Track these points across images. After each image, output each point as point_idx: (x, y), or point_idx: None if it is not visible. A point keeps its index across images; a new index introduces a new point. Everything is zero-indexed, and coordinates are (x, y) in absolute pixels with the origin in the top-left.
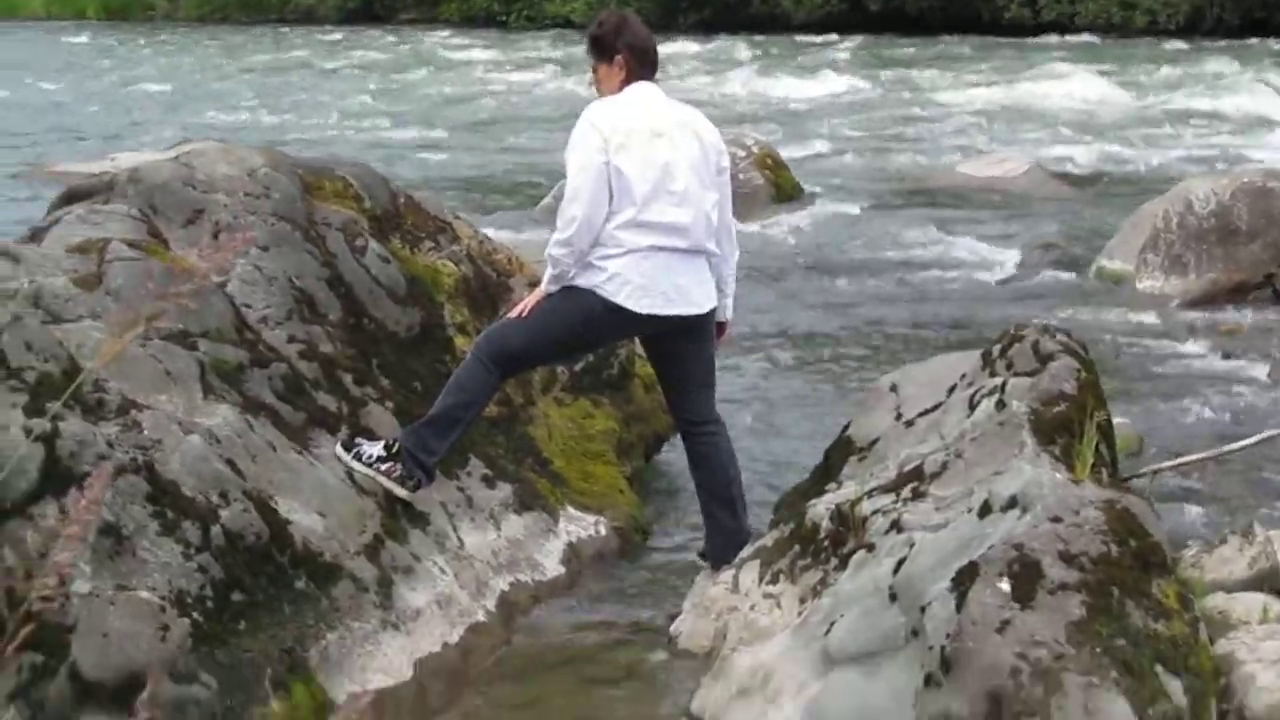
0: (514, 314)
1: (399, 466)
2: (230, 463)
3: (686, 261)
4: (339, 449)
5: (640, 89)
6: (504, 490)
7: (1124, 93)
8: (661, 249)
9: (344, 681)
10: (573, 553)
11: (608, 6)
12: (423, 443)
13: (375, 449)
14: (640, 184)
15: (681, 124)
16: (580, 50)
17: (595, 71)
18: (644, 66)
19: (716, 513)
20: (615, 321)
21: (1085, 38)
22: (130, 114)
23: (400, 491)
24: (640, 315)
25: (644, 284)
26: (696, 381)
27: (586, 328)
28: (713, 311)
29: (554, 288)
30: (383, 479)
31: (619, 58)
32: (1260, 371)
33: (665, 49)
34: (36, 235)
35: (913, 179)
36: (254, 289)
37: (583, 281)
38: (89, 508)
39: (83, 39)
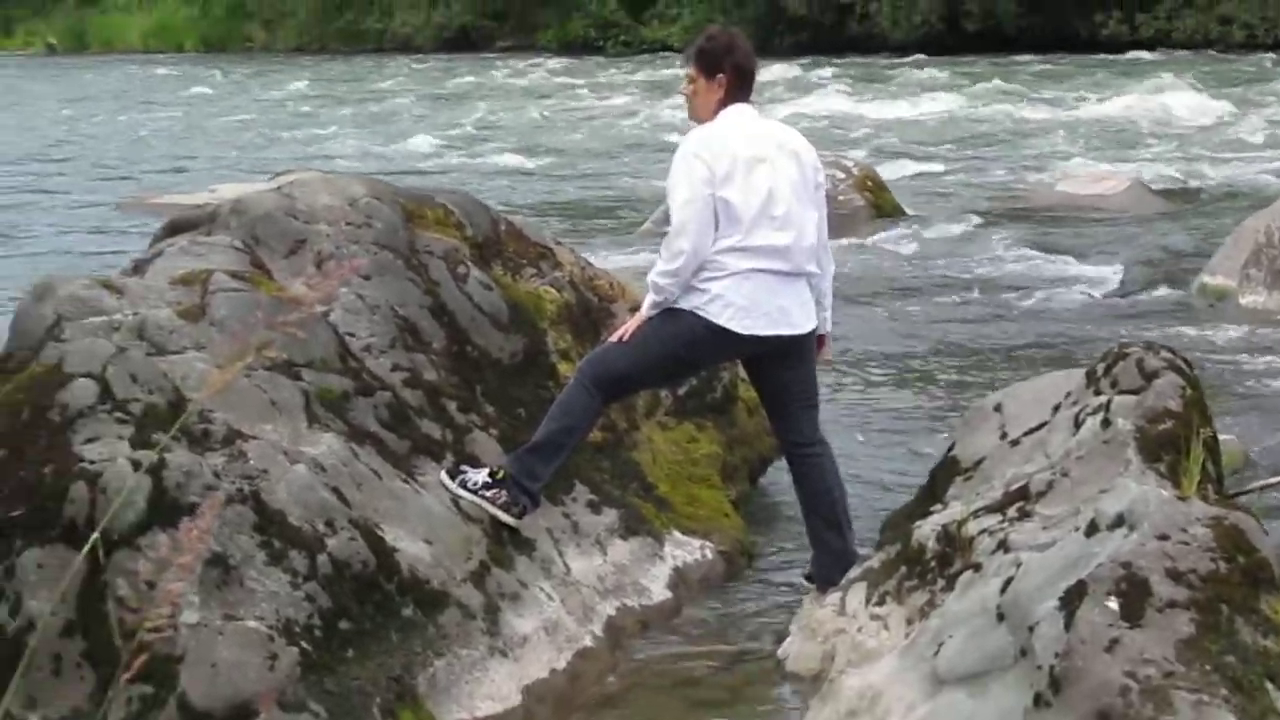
0: (615, 338)
1: (504, 493)
2: (336, 491)
3: (787, 283)
4: (444, 476)
5: (737, 112)
6: (609, 515)
7: (1223, 108)
8: (763, 271)
9: (452, 708)
10: (679, 577)
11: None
12: (528, 469)
13: (480, 476)
14: (745, 211)
15: (780, 146)
16: (675, 74)
17: (692, 84)
18: (743, 89)
19: (823, 534)
20: (717, 343)
21: (1183, 53)
22: (230, 145)
23: (506, 518)
24: (743, 336)
25: (746, 305)
26: (799, 402)
27: (688, 349)
28: (813, 331)
29: (654, 312)
30: (488, 506)
31: (721, 76)
32: None
33: (762, 72)
34: (139, 267)
35: (1013, 198)
36: (357, 318)
37: (685, 304)
38: (200, 536)
39: (181, 71)
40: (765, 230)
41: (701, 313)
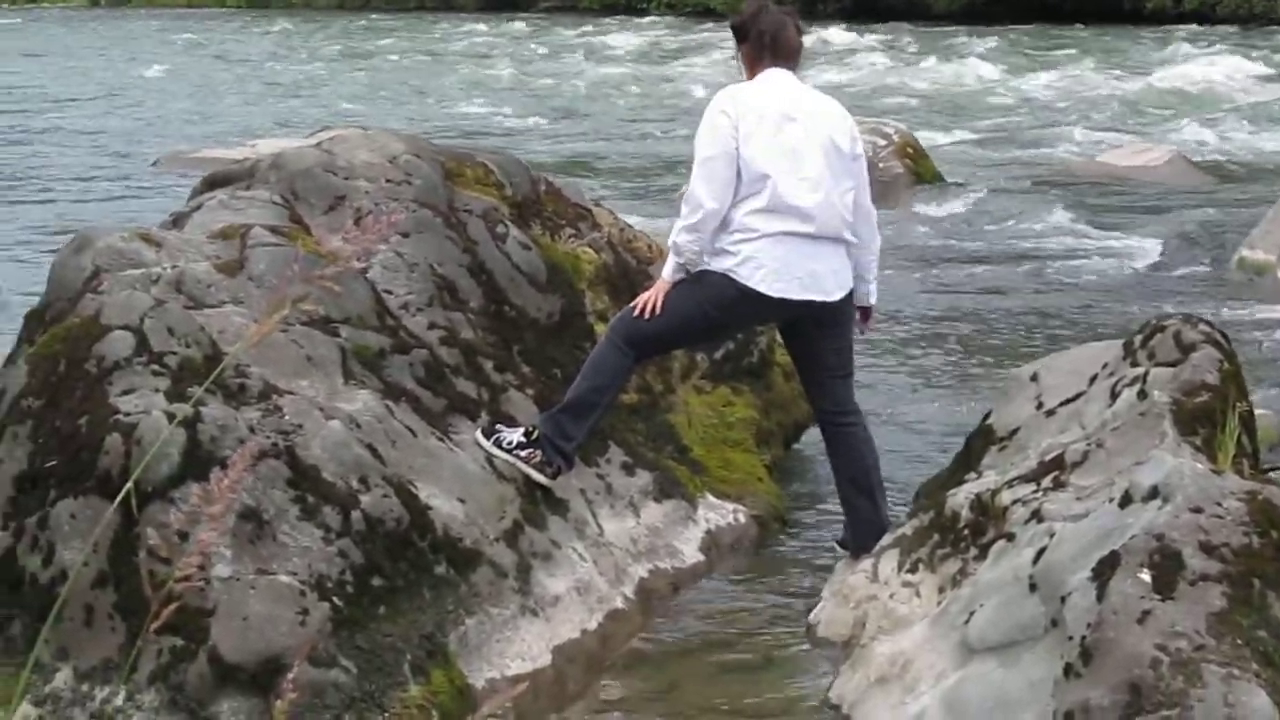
0: (640, 301)
1: (539, 453)
2: (371, 448)
3: (819, 247)
4: (479, 435)
5: (772, 75)
6: (643, 478)
7: (1266, 82)
8: (793, 234)
9: (483, 667)
10: (711, 540)
11: None
12: (560, 429)
13: (515, 435)
14: (770, 169)
15: (813, 110)
16: (720, 35)
17: (739, 58)
18: (777, 55)
19: (855, 501)
20: (747, 305)
21: (1226, 27)
22: (271, 101)
23: (540, 478)
24: (772, 299)
25: (777, 268)
26: (833, 371)
27: (720, 310)
28: (848, 300)
29: (678, 275)
30: (522, 465)
31: (748, 45)
32: None
33: (805, 38)
34: (179, 221)
35: (1053, 168)
36: (395, 275)
37: (716, 266)
38: (231, 486)
39: (225, 26)
40: (792, 189)
41: (733, 275)
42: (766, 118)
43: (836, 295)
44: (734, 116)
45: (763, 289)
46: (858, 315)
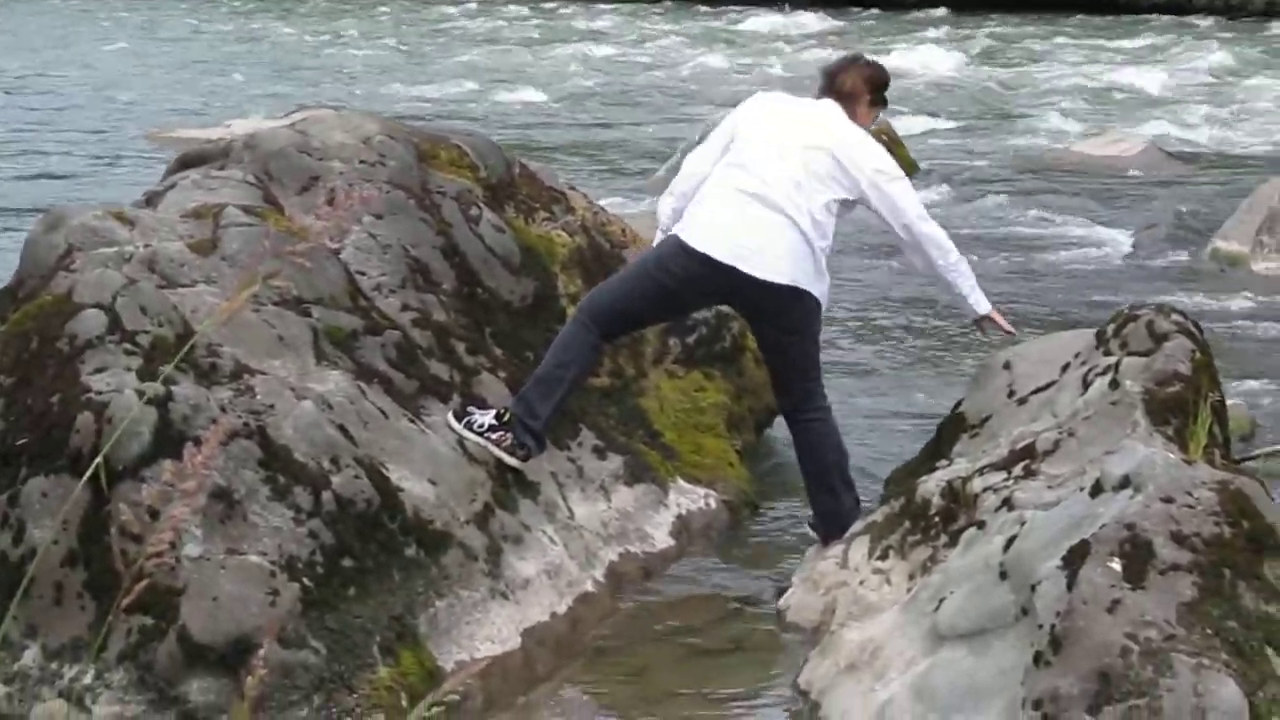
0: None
1: (509, 435)
2: (342, 429)
3: (762, 217)
4: (450, 418)
5: (820, 100)
6: (614, 461)
7: (1241, 73)
8: (742, 192)
9: (452, 649)
10: (682, 525)
11: None
12: (528, 407)
13: (487, 418)
14: (751, 135)
15: (818, 122)
16: (705, 24)
17: None
18: (828, 90)
19: (816, 495)
20: (683, 265)
21: (1203, 18)
22: (248, 82)
23: (511, 460)
24: (698, 254)
25: (709, 223)
26: (789, 371)
27: (663, 272)
28: (795, 300)
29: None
30: (493, 447)
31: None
32: None
33: (777, 21)
34: (152, 200)
35: (1027, 157)
36: (368, 256)
37: (674, 229)
38: (205, 462)
39: (200, 5)
40: (760, 155)
41: (677, 233)
42: (780, 113)
43: (763, 274)
44: (739, 113)
45: (692, 242)
46: (977, 321)
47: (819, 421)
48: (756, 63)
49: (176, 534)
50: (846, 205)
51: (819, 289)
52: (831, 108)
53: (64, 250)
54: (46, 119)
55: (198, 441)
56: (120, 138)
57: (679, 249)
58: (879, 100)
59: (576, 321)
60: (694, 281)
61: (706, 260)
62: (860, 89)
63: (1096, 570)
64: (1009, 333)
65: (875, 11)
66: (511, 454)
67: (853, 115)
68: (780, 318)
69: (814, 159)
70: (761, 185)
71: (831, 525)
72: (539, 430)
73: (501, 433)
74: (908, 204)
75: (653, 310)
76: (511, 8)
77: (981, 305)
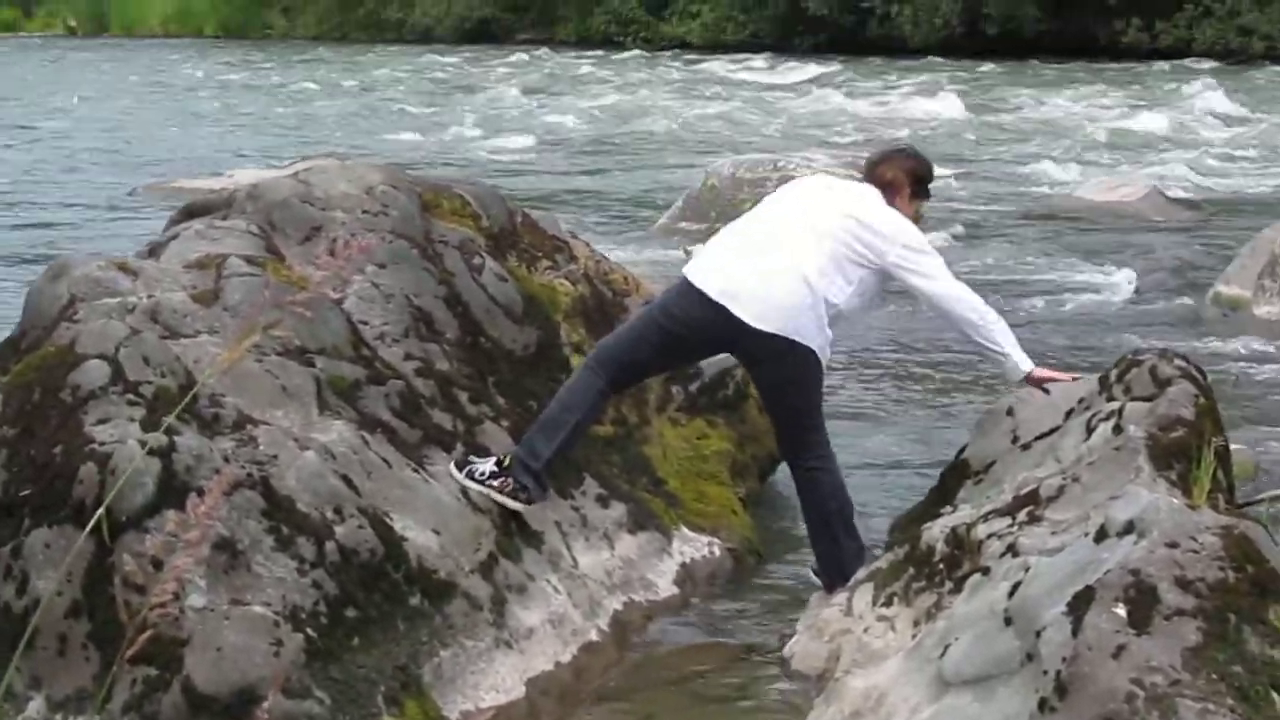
0: None
1: (510, 480)
2: (345, 479)
3: (765, 261)
4: (452, 468)
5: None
6: (618, 510)
7: (1242, 118)
8: (751, 238)
9: (457, 699)
10: (686, 573)
11: (723, 30)
12: (530, 449)
13: (488, 465)
14: (774, 202)
15: (852, 197)
16: (694, 71)
17: None
18: (864, 178)
19: (818, 542)
20: (683, 306)
21: (1203, 63)
22: (248, 132)
23: (512, 504)
24: (695, 291)
25: (710, 263)
26: (788, 420)
27: (664, 314)
28: (786, 349)
29: None
30: (495, 494)
31: None
32: None
33: (781, 71)
34: (155, 250)
35: (1029, 203)
36: (371, 306)
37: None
38: (209, 513)
39: (200, 56)
40: (776, 209)
41: (684, 271)
42: (816, 185)
43: (752, 320)
44: (794, 180)
45: (692, 276)
46: (1027, 380)
47: (820, 470)
48: (759, 110)
49: (180, 584)
50: (873, 273)
51: (817, 343)
52: (869, 190)
53: (67, 301)
54: (50, 168)
55: (201, 492)
56: (123, 188)
57: (681, 288)
58: (921, 192)
59: (585, 368)
60: (693, 324)
61: (701, 299)
62: (901, 180)
63: (1101, 616)
64: (1068, 379)
65: (879, 60)
66: (514, 498)
67: (892, 204)
68: (774, 366)
69: (839, 223)
70: (774, 235)
71: (834, 572)
72: (539, 470)
73: (503, 479)
74: (936, 275)
75: (658, 357)
76: (512, 56)
77: (1023, 365)
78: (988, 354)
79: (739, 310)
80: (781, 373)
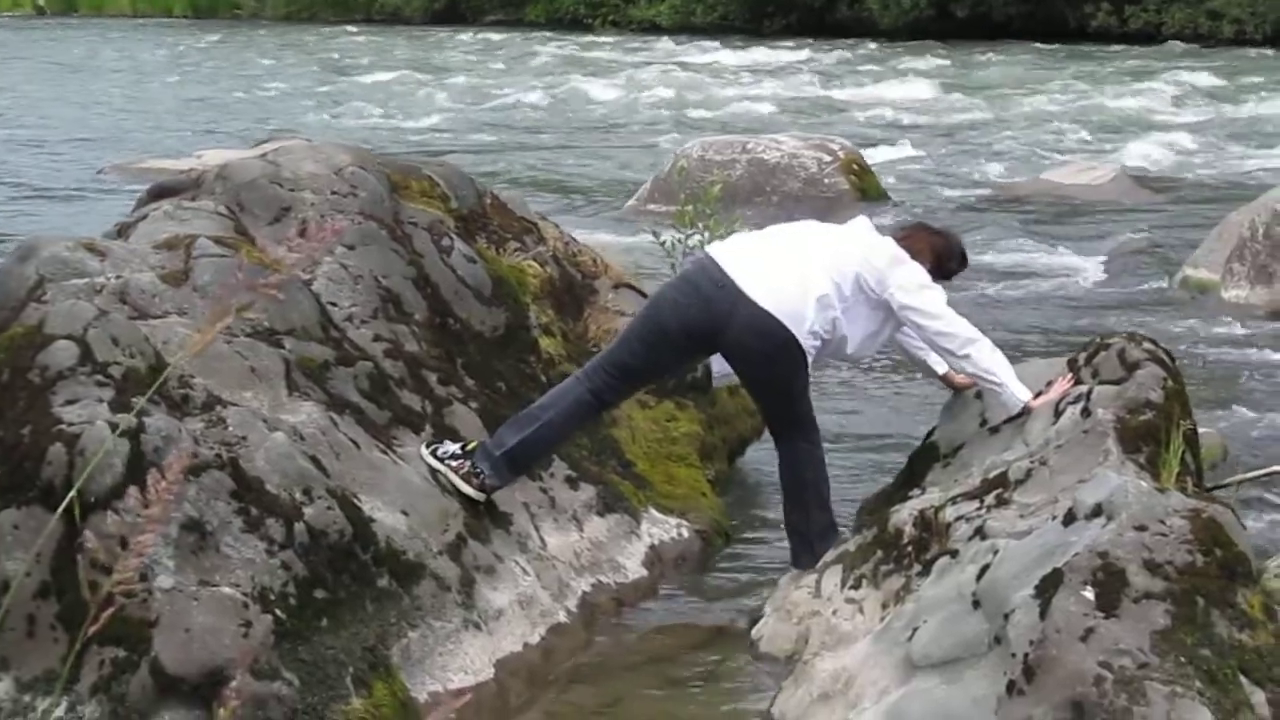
0: None
1: (468, 463)
2: (314, 460)
3: (779, 254)
4: (422, 449)
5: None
6: (587, 492)
7: (1211, 102)
8: (770, 235)
9: (425, 680)
10: (655, 555)
11: (693, 12)
12: (498, 438)
13: (454, 447)
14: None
15: (849, 232)
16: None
17: None
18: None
19: (789, 513)
20: (682, 286)
21: (1172, 47)
22: (217, 112)
23: (465, 488)
24: (703, 258)
25: (728, 244)
26: (771, 410)
27: (658, 302)
28: (777, 332)
29: None
30: (451, 475)
31: None
32: None
33: (751, 53)
34: (123, 231)
35: (998, 185)
36: (340, 287)
37: None
38: (169, 488)
39: (169, 37)
40: (793, 226)
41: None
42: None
43: (751, 292)
44: None
45: (709, 249)
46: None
47: (803, 442)
48: (728, 92)
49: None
50: (871, 306)
51: (806, 341)
52: (888, 238)
53: (35, 281)
54: (18, 149)
55: (162, 470)
56: (91, 168)
57: (688, 267)
58: (941, 272)
59: (574, 374)
60: (687, 310)
61: (711, 268)
62: (924, 253)
63: (1070, 599)
64: (1068, 391)
65: (848, 41)
66: (467, 481)
67: None
68: (760, 350)
69: (849, 248)
70: (788, 243)
71: (799, 543)
72: (497, 458)
73: (461, 460)
74: (938, 313)
75: (641, 354)
76: (481, 37)
77: (1020, 395)
78: (985, 386)
79: (741, 281)
80: (765, 353)
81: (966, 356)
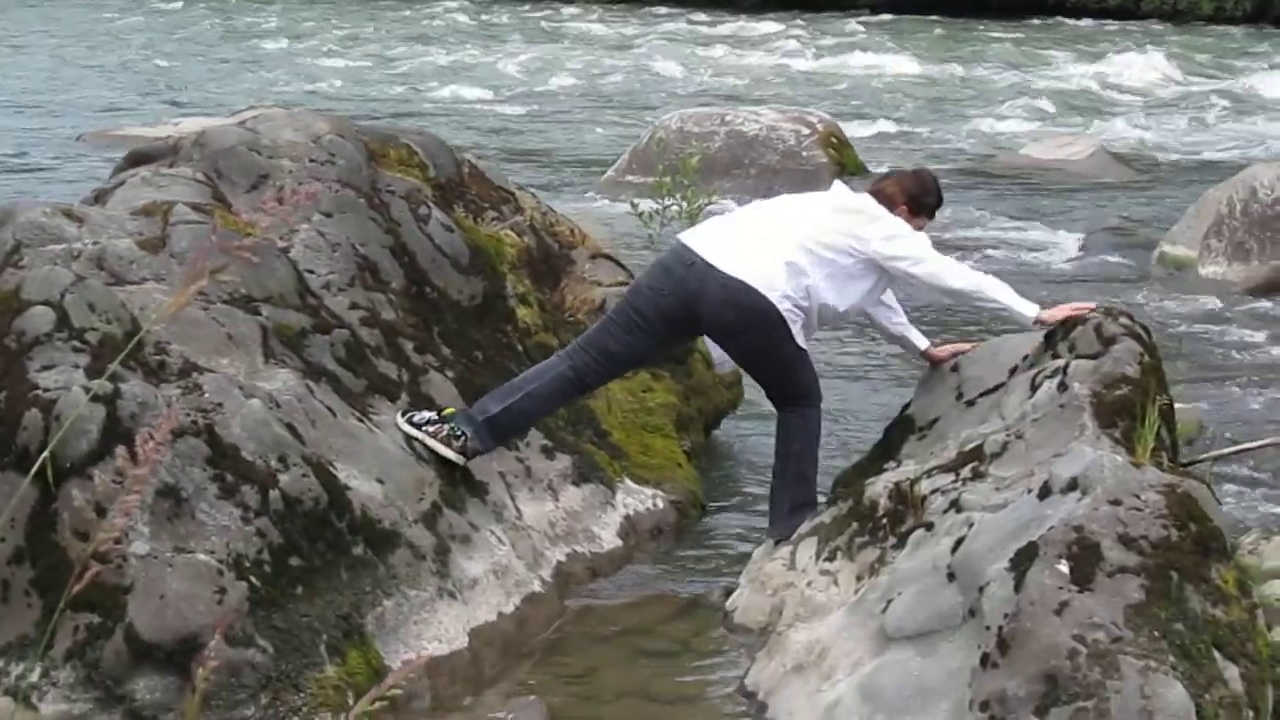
0: None
1: (445, 427)
2: (290, 427)
3: (751, 233)
4: (399, 416)
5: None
6: (563, 461)
7: (1189, 78)
8: (742, 217)
9: (399, 648)
10: (630, 525)
11: None
12: (481, 404)
13: (429, 414)
14: (773, 199)
15: (826, 196)
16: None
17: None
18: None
19: (774, 477)
20: (657, 274)
21: (1150, 22)
22: (196, 79)
23: (444, 450)
24: (676, 244)
25: (697, 229)
26: (761, 385)
27: (635, 291)
28: (753, 300)
29: None
30: (429, 440)
31: None
32: None
33: (726, 25)
34: (101, 197)
35: (977, 160)
36: (317, 255)
37: None
38: (156, 448)
39: (145, 4)
40: (774, 201)
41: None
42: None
43: (721, 265)
44: None
45: (680, 235)
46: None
47: (795, 414)
48: (707, 64)
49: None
50: (859, 265)
51: (782, 306)
52: (863, 194)
53: (12, 247)
54: None
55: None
56: (69, 135)
57: (662, 256)
58: (919, 209)
59: (557, 353)
60: (660, 295)
61: (681, 251)
62: (896, 196)
63: (1044, 572)
64: (1085, 309)
65: (828, 15)
66: (446, 444)
67: None
68: (724, 336)
69: (825, 213)
70: (761, 213)
71: (775, 513)
72: (480, 423)
73: (438, 425)
74: (923, 257)
75: (622, 339)
76: (459, 5)
77: (1028, 312)
78: (993, 312)
79: (711, 257)
80: (741, 323)
81: (965, 292)
